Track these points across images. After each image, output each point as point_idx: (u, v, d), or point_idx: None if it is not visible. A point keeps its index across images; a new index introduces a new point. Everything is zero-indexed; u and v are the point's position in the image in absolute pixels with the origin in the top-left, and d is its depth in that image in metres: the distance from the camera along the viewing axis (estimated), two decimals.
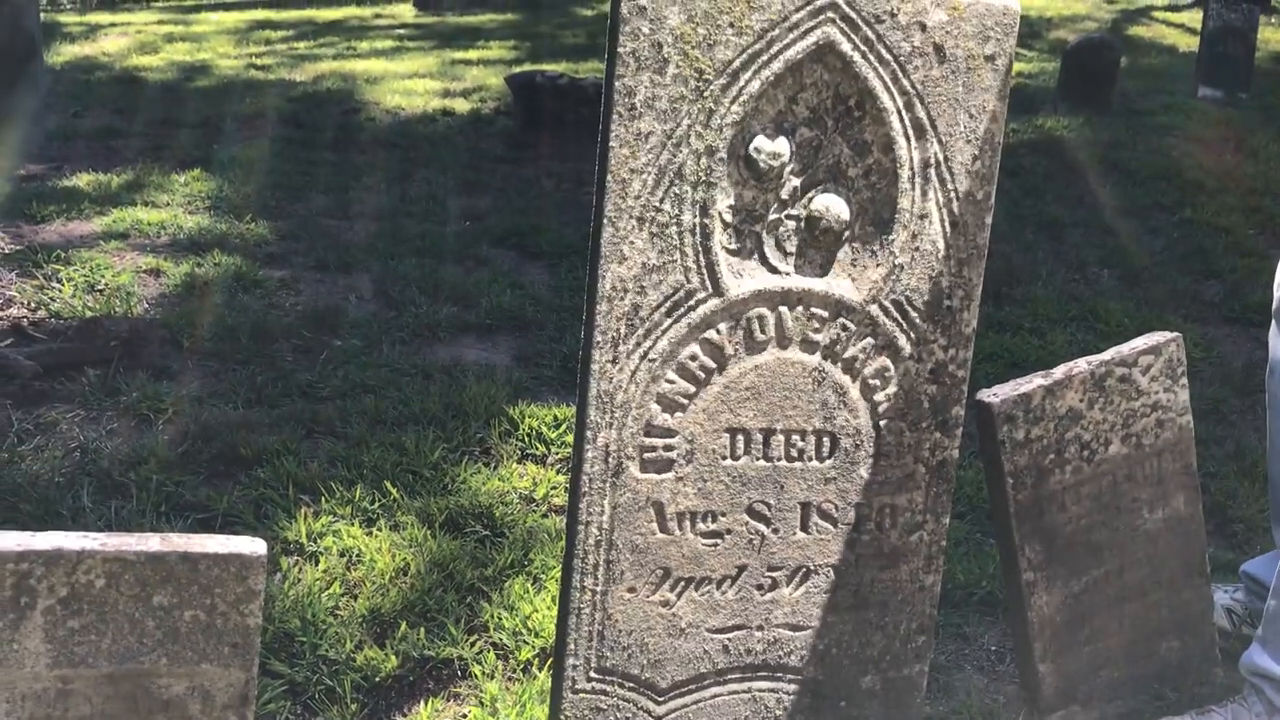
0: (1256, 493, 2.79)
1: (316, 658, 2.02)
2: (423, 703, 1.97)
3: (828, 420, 1.65)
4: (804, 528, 1.68)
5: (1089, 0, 11.98)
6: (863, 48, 1.54)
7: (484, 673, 2.04)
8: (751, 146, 1.53)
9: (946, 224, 1.63)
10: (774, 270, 1.59)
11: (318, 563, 2.34)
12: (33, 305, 3.57)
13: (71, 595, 1.27)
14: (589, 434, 1.56)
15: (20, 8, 5.55)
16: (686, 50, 1.47)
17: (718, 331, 1.57)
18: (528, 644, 2.10)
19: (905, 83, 1.57)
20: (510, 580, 2.30)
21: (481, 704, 1.97)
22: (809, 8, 1.50)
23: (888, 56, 1.55)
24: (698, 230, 1.53)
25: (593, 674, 1.64)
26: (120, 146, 5.84)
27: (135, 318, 3.53)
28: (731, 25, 1.48)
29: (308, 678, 1.98)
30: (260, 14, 12.08)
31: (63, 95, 6.77)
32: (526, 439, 2.93)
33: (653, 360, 1.56)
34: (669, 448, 1.59)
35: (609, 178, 1.48)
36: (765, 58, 1.50)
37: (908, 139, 1.59)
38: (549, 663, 2.02)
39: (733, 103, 1.50)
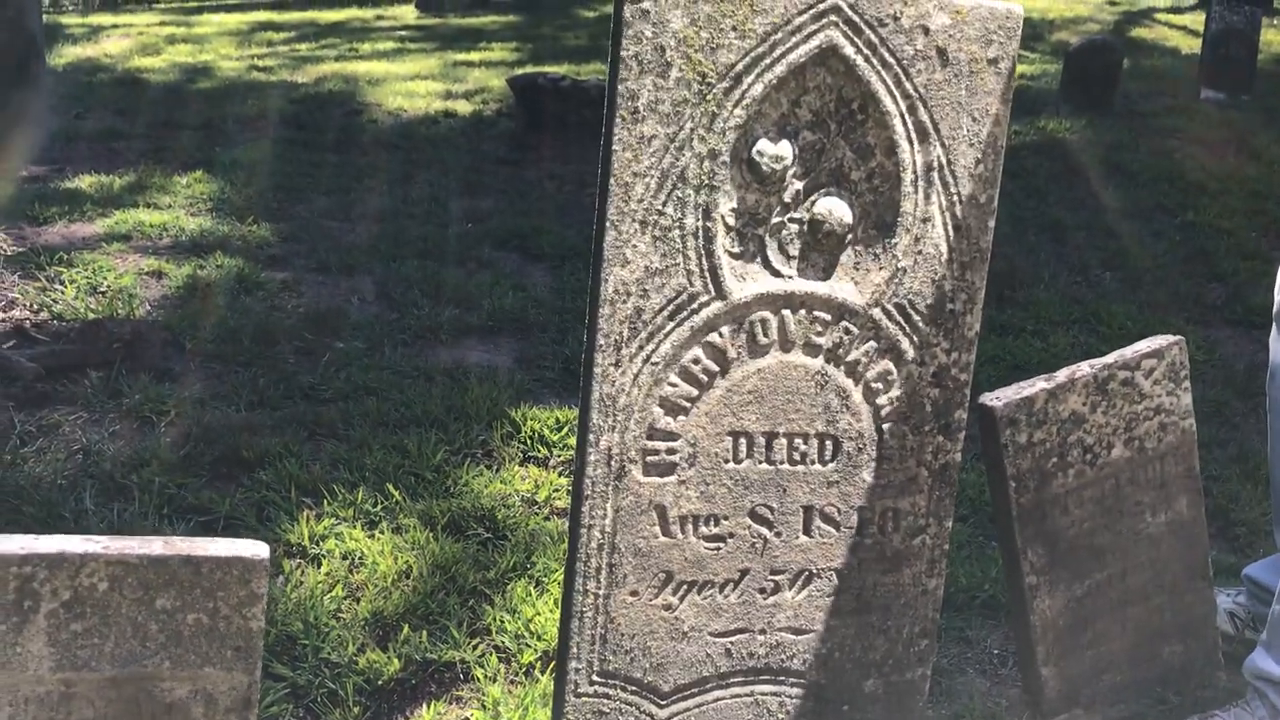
0: (1259, 496, 2.78)
1: (319, 660, 2.02)
2: (425, 706, 1.97)
3: (830, 424, 1.65)
4: (806, 531, 1.68)
5: (1091, 2, 11.98)
6: (865, 51, 1.54)
7: (486, 676, 2.04)
8: (754, 150, 1.53)
9: (949, 227, 1.63)
10: (777, 273, 1.59)
11: (320, 565, 2.34)
12: (35, 307, 3.57)
13: (75, 598, 1.27)
14: (591, 437, 1.56)
15: (23, 9, 5.56)
16: (689, 54, 1.47)
17: (720, 335, 1.57)
18: (530, 647, 2.10)
19: (908, 86, 1.57)
20: (512, 583, 2.30)
21: (484, 707, 1.97)
22: (812, 11, 1.50)
23: (891, 60, 1.55)
24: (700, 233, 1.53)
25: (595, 677, 1.64)
26: (122, 148, 5.84)
27: (137, 320, 3.53)
28: (734, 29, 1.48)
29: (310, 681, 1.98)
30: (262, 15, 12.10)
31: (65, 97, 6.78)
32: (528, 441, 2.93)
33: (655, 363, 1.55)
34: (671, 451, 1.59)
35: (612, 181, 1.48)
36: (768, 61, 1.50)
37: (910, 142, 1.59)
38: (551, 666, 2.02)
39: (735, 106, 1.50)
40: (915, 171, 1.60)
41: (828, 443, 1.65)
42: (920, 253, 1.63)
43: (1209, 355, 3.81)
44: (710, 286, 1.55)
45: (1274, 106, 7.51)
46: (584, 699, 1.64)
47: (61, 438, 2.80)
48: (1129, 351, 1.98)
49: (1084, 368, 1.93)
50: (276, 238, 4.51)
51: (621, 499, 1.58)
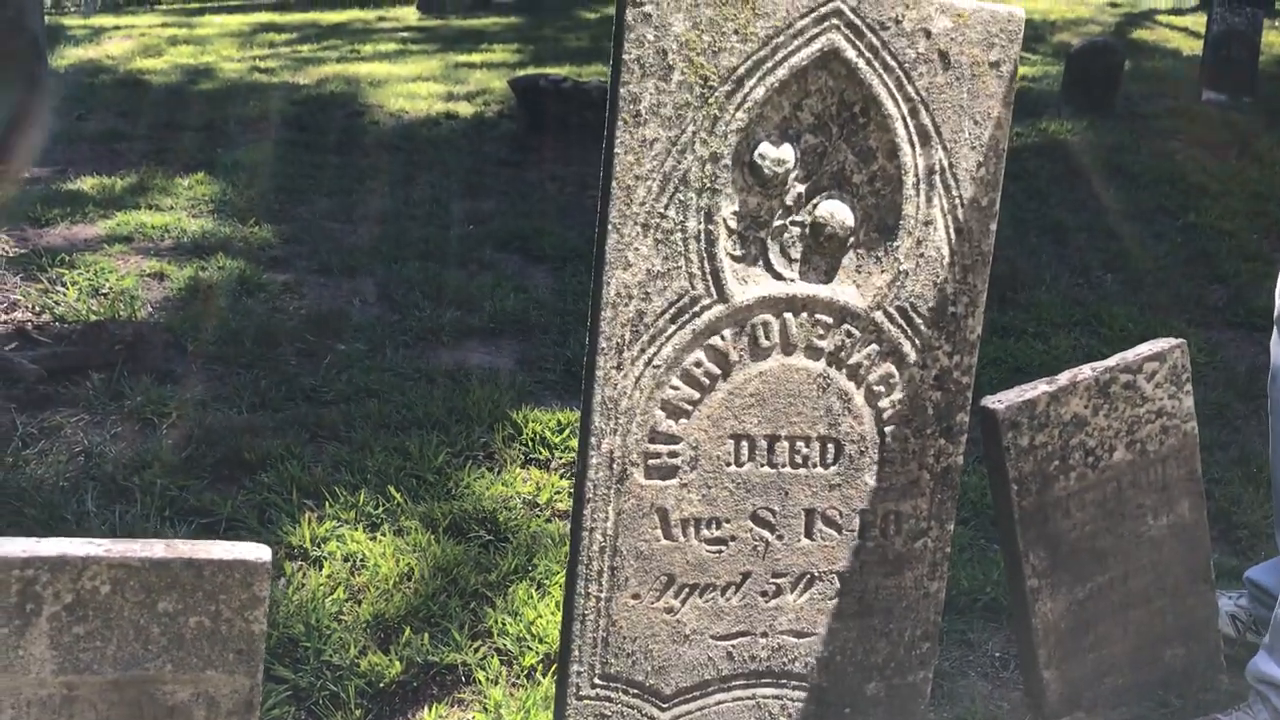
0: (1261, 498, 2.78)
1: (321, 663, 2.02)
2: (427, 708, 1.97)
3: (832, 427, 1.65)
4: (808, 534, 1.68)
5: (1093, 4, 11.98)
6: (867, 54, 1.54)
7: (488, 678, 2.04)
8: (756, 153, 1.53)
9: (951, 230, 1.63)
10: (779, 276, 1.59)
11: (322, 567, 2.34)
12: (37, 309, 3.58)
13: (77, 601, 1.27)
14: (593, 440, 1.56)
15: (25, 11, 5.57)
16: (691, 57, 1.47)
17: (722, 338, 1.57)
18: (531, 650, 2.10)
19: (910, 89, 1.57)
20: (514, 585, 2.30)
21: (486, 710, 1.97)
22: (814, 14, 1.51)
23: (892, 63, 1.55)
24: (702, 236, 1.53)
25: (597, 680, 1.64)
26: (124, 150, 5.85)
27: (139, 321, 3.53)
28: (736, 32, 1.48)
29: (312, 683, 1.98)
30: (264, 17, 12.11)
31: (67, 98, 6.79)
32: (530, 443, 2.93)
33: (657, 366, 1.56)
34: (673, 454, 1.59)
35: (614, 184, 1.48)
36: (770, 64, 1.50)
37: (912, 145, 1.59)
38: (553, 668, 2.02)
39: (737, 109, 1.50)
40: (917, 175, 1.60)
41: (829, 446, 1.65)
42: (922, 256, 1.63)
43: (1210, 357, 3.81)
44: (712, 289, 1.55)
45: (1275, 108, 7.50)
46: (586, 702, 1.64)
47: (63, 439, 2.80)
48: (1131, 354, 1.98)
49: (1086, 371, 1.93)
50: (278, 239, 4.51)
51: (623, 502, 1.58)
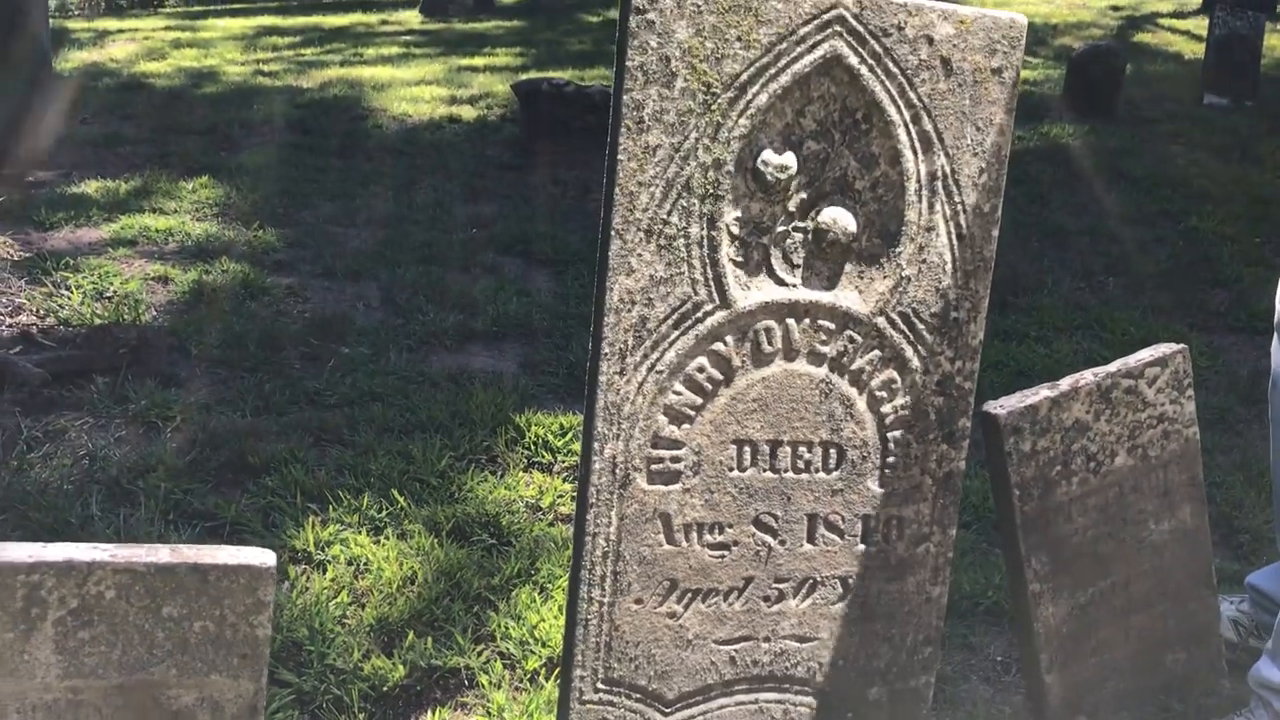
0: (1262, 503, 2.78)
1: (324, 667, 2.03)
2: (430, 712, 1.97)
3: (834, 432, 1.65)
4: (810, 539, 1.68)
5: (1094, 7, 11.98)
6: (870, 61, 1.55)
7: (491, 682, 2.04)
8: (759, 159, 1.54)
9: (953, 236, 1.63)
10: (781, 282, 1.60)
11: (325, 571, 2.35)
12: (41, 312, 3.59)
13: (82, 606, 1.28)
14: (596, 445, 1.56)
15: (31, 15, 5.58)
16: (694, 64, 1.48)
17: (725, 343, 1.58)
18: (535, 654, 2.11)
19: (912, 96, 1.57)
20: (517, 589, 2.30)
21: (489, 714, 1.97)
22: (816, 21, 1.51)
23: (895, 70, 1.56)
24: (705, 243, 1.53)
25: (600, 685, 1.64)
26: (128, 153, 5.86)
27: (143, 325, 3.54)
28: (739, 39, 1.49)
29: (315, 687, 1.98)
30: (267, 20, 12.13)
31: (71, 102, 6.79)
32: (533, 447, 2.93)
33: (660, 372, 1.56)
34: (676, 459, 1.60)
35: (617, 190, 1.49)
36: (773, 71, 1.51)
37: (915, 152, 1.59)
38: (556, 672, 2.02)
39: (740, 116, 1.51)
40: (919, 181, 1.60)
41: (832, 451, 1.66)
42: (924, 262, 1.63)
43: (1212, 361, 3.81)
44: (715, 295, 1.56)
45: (1277, 112, 7.50)
46: (589, 706, 1.65)
47: (67, 443, 2.81)
48: (1133, 360, 1.98)
49: (1088, 376, 1.94)
50: (282, 243, 4.52)
51: (626, 507, 1.59)
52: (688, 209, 1.52)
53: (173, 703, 1.33)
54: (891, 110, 1.57)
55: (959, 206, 1.62)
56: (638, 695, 1.66)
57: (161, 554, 1.31)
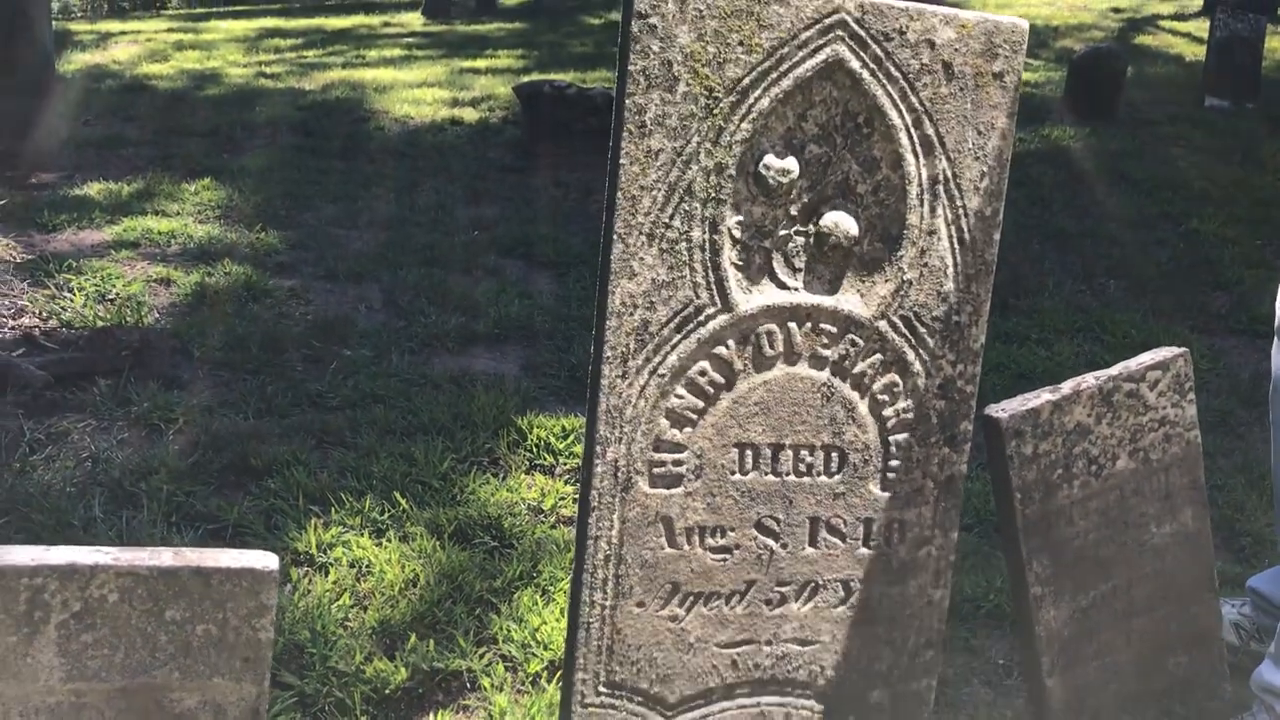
0: (1264, 506, 2.79)
1: (326, 669, 2.03)
2: (432, 715, 1.98)
3: (836, 435, 1.65)
4: (812, 543, 1.68)
5: (1095, 9, 11.99)
6: (871, 65, 1.55)
7: (493, 685, 2.04)
8: (761, 163, 1.54)
9: (955, 240, 1.64)
10: (783, 286, 1.60)
11: (328, 574, 2.35)
12: (44, 315, 3.59)
13: (85, 609, 1.28)
14: (598, 449, 1.56)
15: (34, 19, 5.59)
16: (696, 68, 1.48)
17: (727, 347, 1.58)
18: (536, 656, 2.11)
19: (914, 100, 1.58)
20: (519, 592, 2.31)
21: (491, 716, 1.98)
22: (818, 26, 1.51)
23: (896, 74, 1.56)
24: (707, 246, 1.54)
25: (601, 688, 1.64)
26: (130, 155, 5.87)
27: (146, 327, 3.54)
28: (741, 43, 1.49)
29: (318, 689, 1.99)
30: (270, 22, 12.15)
31: (74, 104, 6.81)
32: (534, 449, 2.94)
33: (662, 375, 1.56)
34: (678, 463, 1.60)
35: (619, 194, 1.49)
36: (775, 75, 1.51)
37: (916, 156, 1.60)
38: (558, 675, 2.02)
39: (742, 120, 1.51)
40: (921, 185, 1.60)
41: (834, 454, 1.66)
42: (926, 265, 1.63)
43: (1213, 364, 3.81)
44: (717, 299, 1.56)
45: (1278, 114, 7.50)
46: (591, 709, 1.65)
47: (70, 445, 2.81)
48: (1134, 363, 1.98)
49: (1089, 379, 1.94)
50: (284, 245, 4.53)
51: (628, 510, 1.59)
52: (690, 213, 1.52)
53: (175, 706, 1.33)
54: (893, 114, 1.57)
55: (960, 210, 1.63)
56: (639, 698, 1.66)
57: (164, 557, 1.31)
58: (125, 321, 3.55)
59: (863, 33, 1.53)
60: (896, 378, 1.66)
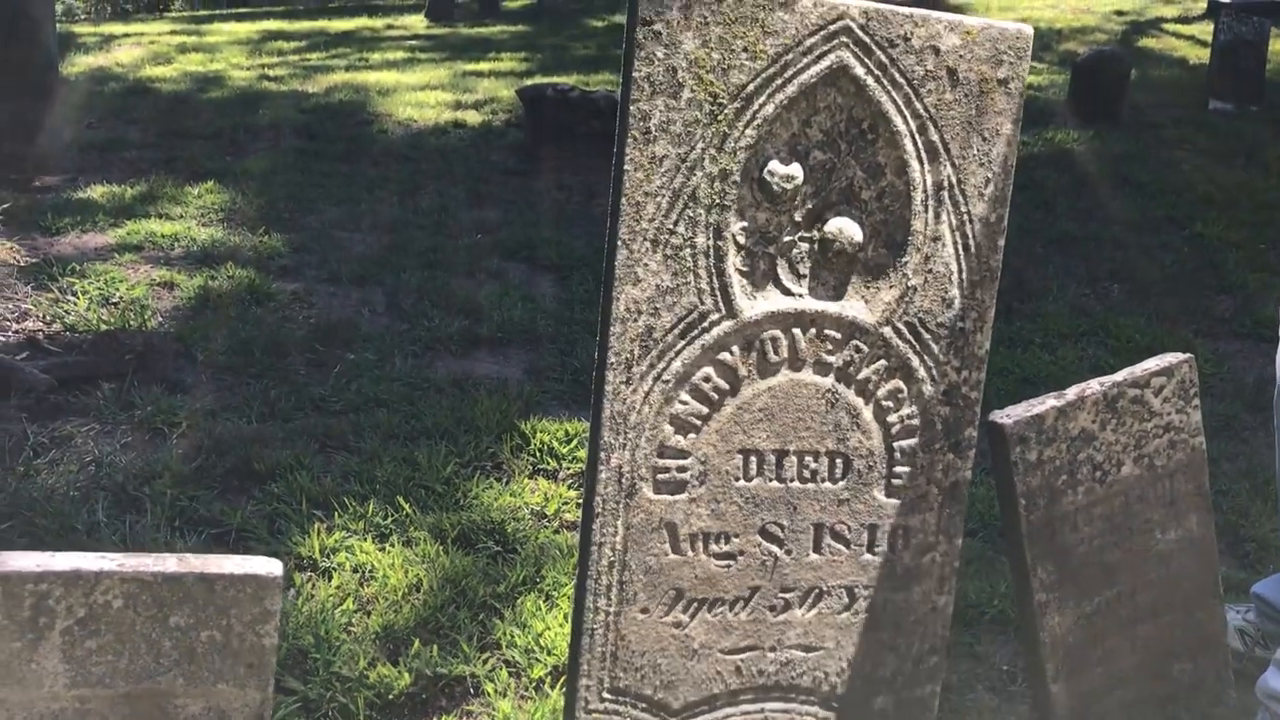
0: (1269, 511, 2.78)
1: (330, 674, 2.03)
2: None
3: (840, 442, 1.65)
4: (817, 549, 1.68)
5: (1099, 12, 11.98)
6: (876, 72, 1.55)
7: (497, 690, 2.04)
8: (765, 170, 1.54)
9: (959, 246, 1.63)
10: (787, 292, 1.60)
11: (331, 578, 2.35)
12: (48, 318, 3.60)
13: (89, 616, 1.28)
14: (602, 455, 1.56)
15: (38, 22, 5.60)
16: (701, 75, 1.48)
17: (731, 353, 1.58)
18: (540, 662, 2.11)
19: (918, 106, 1.57)
20: (522, 597, 2.31)
21: None
22: (823, 32, 1.51)
23: (901, 80, 1.56)
24: (711, 253, 1.54)
25: (605, 694, 1.64)
26: (134, 158, 5.88)
27: (149, 331, 3.55)
28: (746, 50, 1.49)
29: (321, 695, 1.98)
30: (273, 25, 12.16)
31: (77, 106, 6.82)
32: (538, 454, 2.93)
33: (666, 382, 1.56)
34: (682, 469, 1.60)
35: (623, 201, 1.49)
36: (779, 82, 1.51)
37: (921, 162, 1.59)
38: (561, 681, 2.02)
39: (747, 126, 1.51)
40: (925, 191, 1.60)
41: (838, 461, 1.66)
42: (930, 271, 1.63)
43: (1218, 368, 3.81)
44: (721, 305, 1.56)
45: None
46: (594, 716, 1.65)
47: (74, 449, 2.81)
48: (1139, 369, 1.98)
49: (1094, 385, 1.93)
50: (287, 248, 4.53)
51: (632, 517, 1.59)
52: (694, 219, 1.52)
53: (180, 712, 1.33)
54: (898, 120, 1.57)
55: (965, 216, 1.63)
56: (643, 705, 1.66)
57: (169, 563, 1.31)
58: (129, 325, 3.56)
59: (867, 39, 1.53)
60: (901, 384, 1.65)
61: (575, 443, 2.96)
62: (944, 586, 1.75)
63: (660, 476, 1.59)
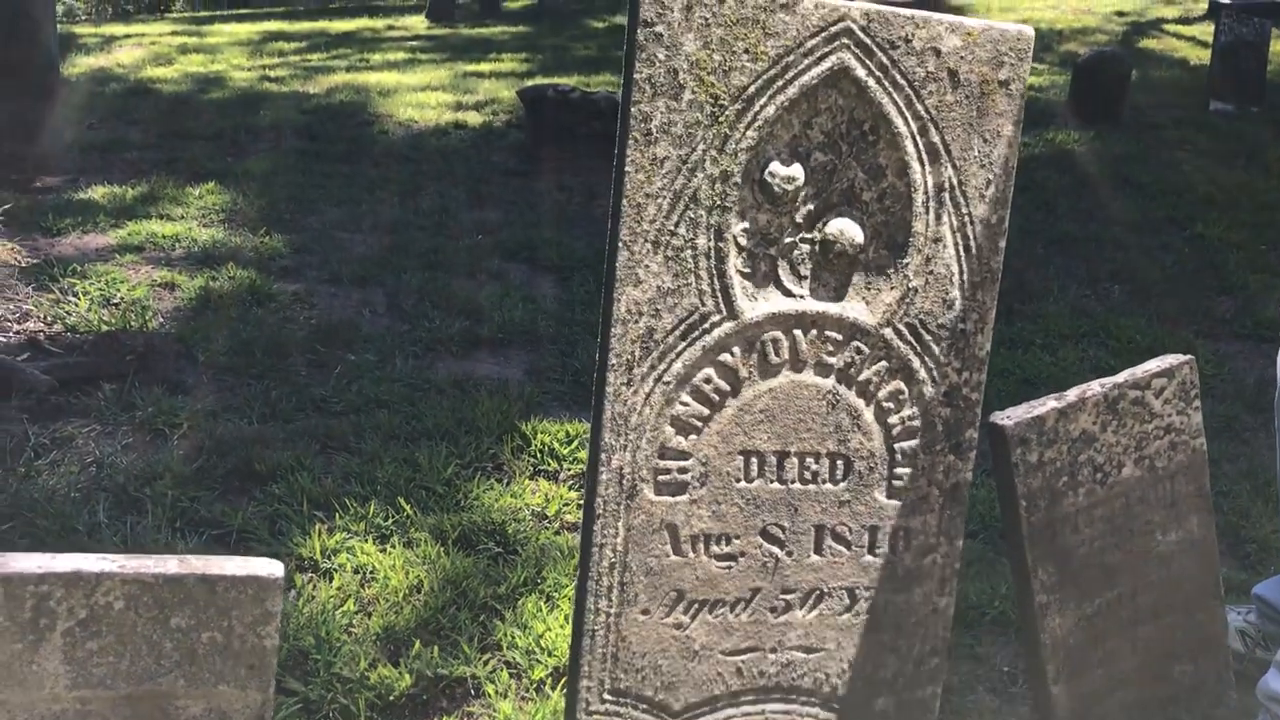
0: (1269, 512, 2.78)
1: (331, 675, 2.03)
2: None
3: (841, 443, 1.65)
4: (818, 550, 1.68)
5: (1099, 13, 11.98)
6: (877, 73, 1.55)
7: (497, 692, 2.04)
8: (766, 171, 1.54)
9: (960, 248, 1.63)
10: (788, 293, 1.60)
11: (332, 579, 2.35)
12: (49, 319, 3.60)
13: (90, 617, 1.28)
14: (603, 456, 1.56)
15: (39, 22, 5.61)
16: (702, 76, 1.48)
17: (732, 354, 1.58)
18: (541, 663, 2.11)
19: (919, 107, 1.58)
20: (523, 598, 2.31)
21: None
22: (824, 34, 1.51)
23: (902, 82, 1.56)
24: (712, 254, 1.54)
25: (606, 696, 1.64)
26: (135, 159, 5.88)
27: (150, 332, 3.55)
28: (747, 51, 1.49)
29: (322, 696, 1.98)
30: (273, 26, 12.17)
31: (78, 107, 6.83)
32: (538, 455, 2.93)
33: (667, 383, 1.56)
34: (683, 470, 1.60)
35: (624, 202, 1.49)
36: (780, 83, 1.51)
37: (922, 163, 1.59)
38: (562, 682, 2.02)
39: (748, 128, 1.51)
40: (926, 192, 1.60)
41: (839, 462, 1.66)
42: (931, 273, 1.63)
43: (1219, 369, 3.81)
44: (722, 306, 1.56)
45: None
46: (595, 717, 1.65)
47: (75, 450, 2.81)
48: (1139, 370, 1.98)
49: (1094, 387, 1.93)
50: (288, 249, 4.53)
51: (633, 518, 1.59)
52: (695, 220, 1.52)
53: (181, 713, 1.33)
54: (899, 122, 1.57)
55: (966, 218, 1.63)
56: (644, 706, 1.66)
57: (170, 565, 1.31)
58: (130, 326, 3.56)
59: (868, 40, 1.53)
60: (902, 385, 1.66)
61: (576, 444, 2.96)
62: (945, 588, 1.75)
63: (661, 478, 1.59)
